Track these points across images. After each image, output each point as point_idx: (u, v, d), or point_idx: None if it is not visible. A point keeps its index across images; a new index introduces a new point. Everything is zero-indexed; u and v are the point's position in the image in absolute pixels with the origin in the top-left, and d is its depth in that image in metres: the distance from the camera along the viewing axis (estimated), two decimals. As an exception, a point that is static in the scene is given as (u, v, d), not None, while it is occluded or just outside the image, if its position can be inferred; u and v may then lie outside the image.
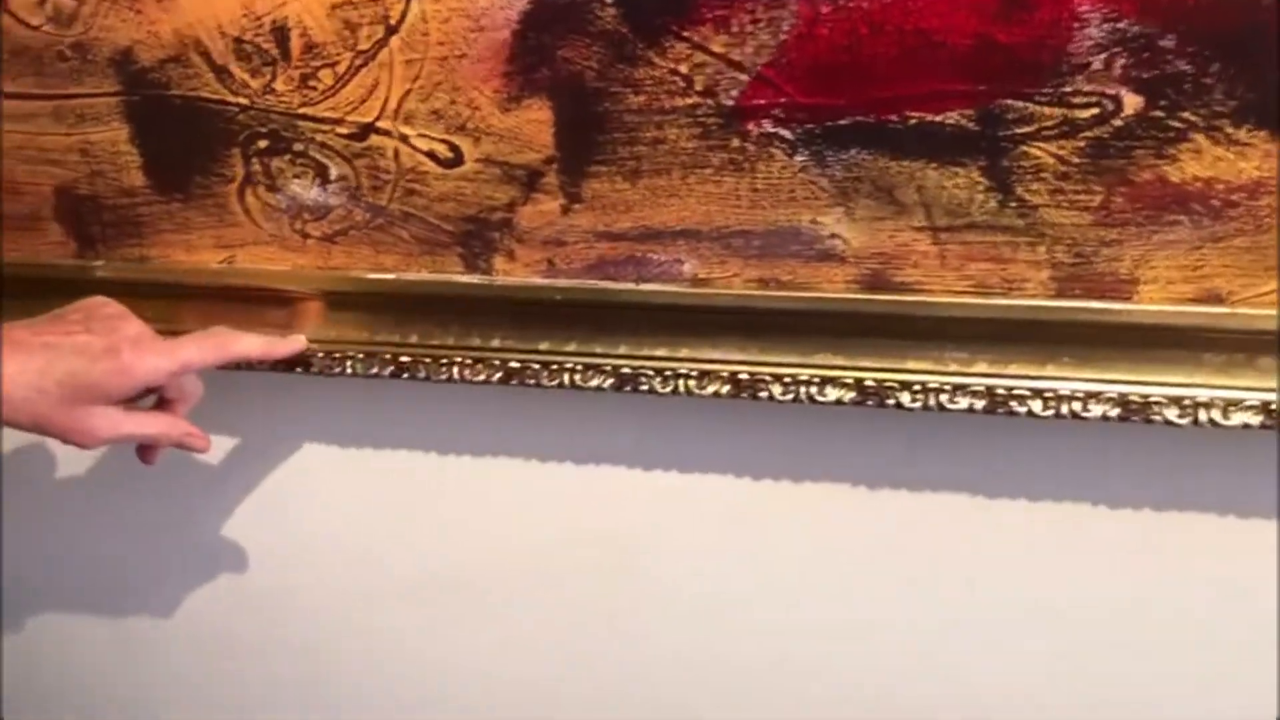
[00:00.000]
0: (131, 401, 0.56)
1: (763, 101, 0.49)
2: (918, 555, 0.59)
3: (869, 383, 0.53)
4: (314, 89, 0.54)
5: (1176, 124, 0.45)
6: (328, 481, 0.67)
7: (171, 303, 0.61)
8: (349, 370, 0.60)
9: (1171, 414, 0.49)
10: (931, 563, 0.59)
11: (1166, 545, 0.54)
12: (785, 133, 0.50)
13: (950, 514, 0.57)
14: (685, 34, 0.48)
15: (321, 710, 0.74)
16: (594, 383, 0.57)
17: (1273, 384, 0.47)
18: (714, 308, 0.54)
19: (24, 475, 0.75)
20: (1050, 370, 0.50)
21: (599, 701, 0.68)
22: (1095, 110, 0.46)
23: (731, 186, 0.51)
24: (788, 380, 0.54)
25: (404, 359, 0.59)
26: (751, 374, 0.55)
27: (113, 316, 0.54)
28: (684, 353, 0.56)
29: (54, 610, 0.79)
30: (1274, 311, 0.46)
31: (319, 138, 0.55)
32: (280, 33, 0.53)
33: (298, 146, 0.56)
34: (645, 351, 0.56)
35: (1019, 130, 0.47)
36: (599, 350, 0.57)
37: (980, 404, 0.52)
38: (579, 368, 0.57)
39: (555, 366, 0.57)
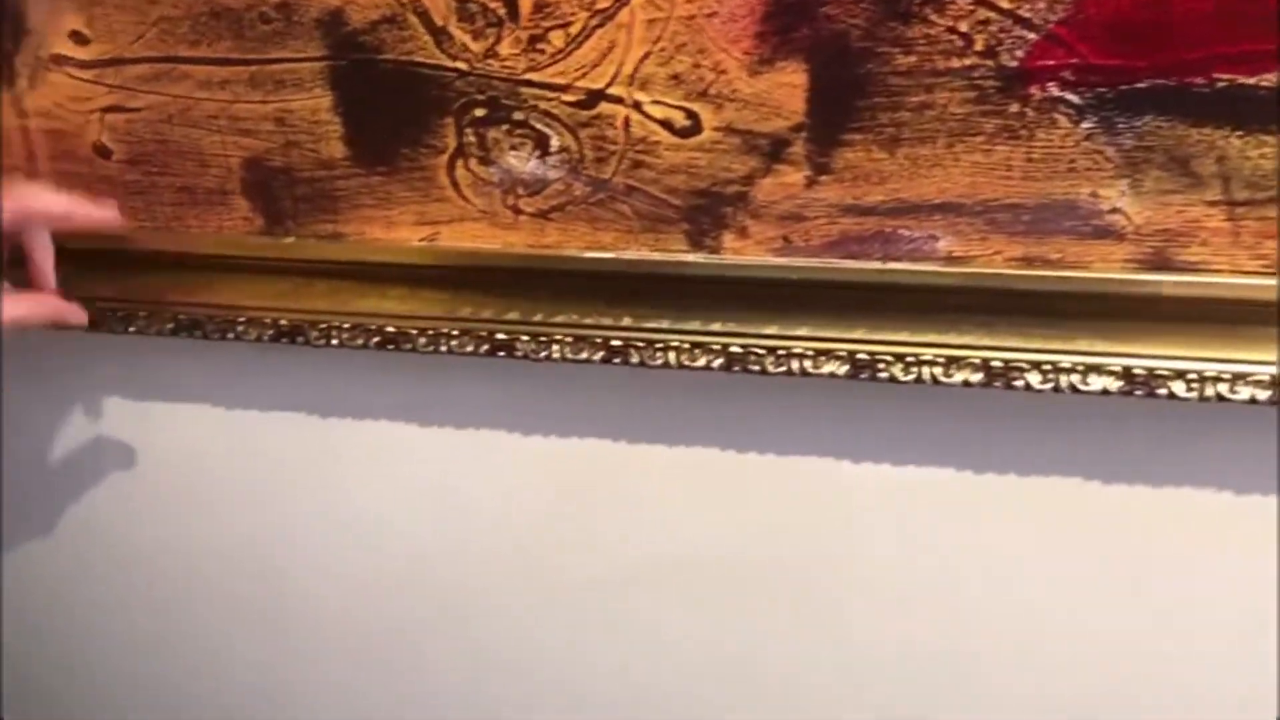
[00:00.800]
0: None
1: (1051, 63, 0.45)
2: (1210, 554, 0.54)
3: (1138, 371, 0.49)
4: (541, 52, 0.50)
5: None
6: (501, 469, 0.64)
7: (364, 283, 0.58)
8: (555, 355, 0.56)
9: None
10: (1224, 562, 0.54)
11: None
12: (1072, 97, 0.45)
13: (1238, 511, 0.53)
14: (971, -13, 0.44)
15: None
16: (827, 369, 0.53)
17: None
18: (969, 289, 0.50)
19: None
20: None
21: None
22: None
23: (1004, 156, 0.47)
24: (1047, 368, 0.50)
25: (615, 343, 0.56)
26: (1006, 361, 0.51)
27: None
28: (929, 338, 0.52)
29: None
30: None
31: (542, 105, 0.51)
32: (511, -10, 0.49)
33: (517, 115, 0.52)
34: (885, 336, 0.52)
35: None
36: (832, 335, 0.53)
37: (1264, 395, 0.48)
38: (810, 353, 0.53)
39: (783, 352, 0.54)
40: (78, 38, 0.55)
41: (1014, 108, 0.46)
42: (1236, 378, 0.48)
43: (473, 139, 0.53)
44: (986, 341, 0.51)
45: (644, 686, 0.67)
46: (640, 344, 0.55)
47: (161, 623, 0.79)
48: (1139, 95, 0.45)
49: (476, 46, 0.51)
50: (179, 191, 0.59)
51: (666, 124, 0.50)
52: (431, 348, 0.58)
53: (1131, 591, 0.56)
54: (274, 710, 0.78)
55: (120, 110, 0.57)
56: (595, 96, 0.50)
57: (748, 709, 0.66)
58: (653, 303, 0.55)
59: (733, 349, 0.54)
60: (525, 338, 0.57)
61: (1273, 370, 0.47)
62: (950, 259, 0.50)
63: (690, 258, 0.53)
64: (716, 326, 0.54)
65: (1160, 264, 0.48)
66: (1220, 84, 0.44)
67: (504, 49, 0.50)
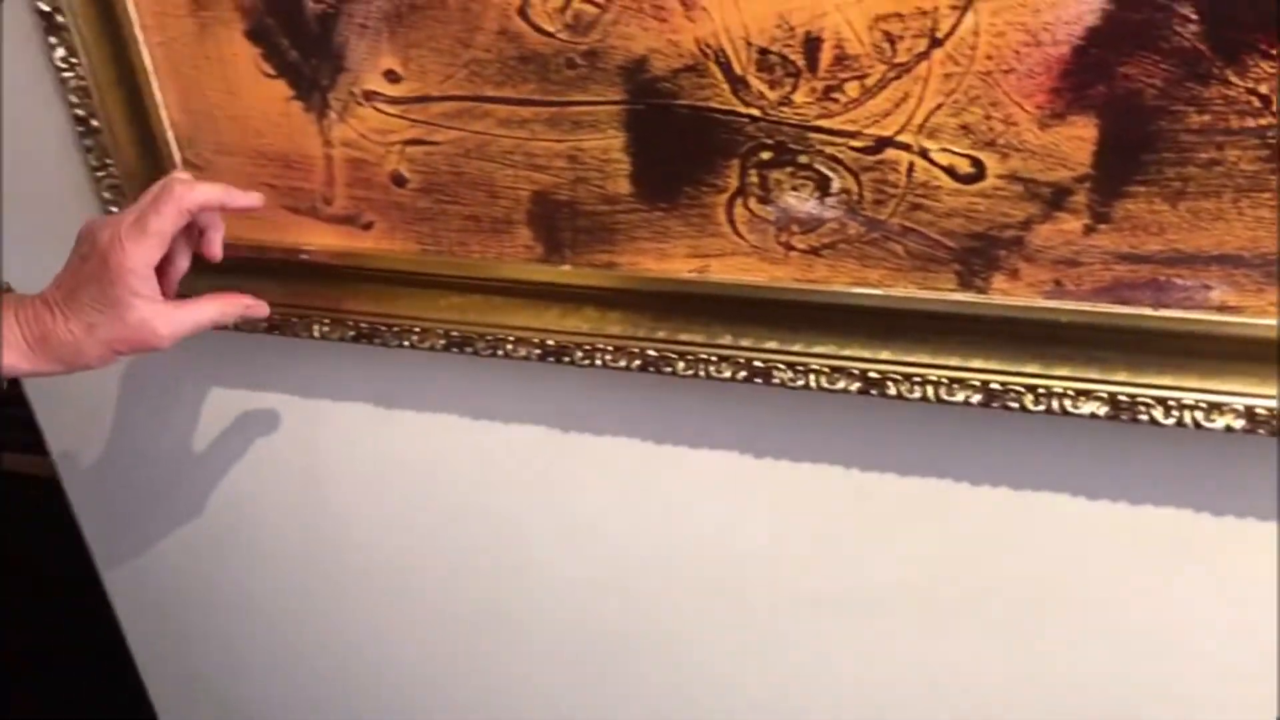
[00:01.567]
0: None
1: (1346, 124, 0.47)
2: None
3: None
4: (835, 101, 0.54)
5: None
6: (748, 495, 0.67)
7: (634, 312, 0.62)
8: (811, 384, 0.60)
9: None
10: None
11: None
12: (1365, 156, 0.48)
13: None
14: (1275, 52, 0.47)
15: None
16: (1085, 409, 0.56)
17: None
18: (1240, 338, 0.52)
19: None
20: None
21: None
22: None
23: (1290, 211, 0.49)
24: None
25: (873, 375, 0.59)
26: (1270, 410, 0.52)
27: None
28: (1191, 383, 0.54)
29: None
30: None
31: (828, 150, 0.55)
32: (812, 44, 0.53)
33: (803, 159, 0.56)
34: (1146, 380, 0.54)
35: None
36: (1094, 376, 0.55)
37: None
38: (1070, 393, 0.56)
39: (1043, 391, 0.56)
40: (391, 76, 0.61)
41: (1306, 165, 0.48)
42: None
43: (755, 179, 0.57)
44: (1253, 390, 0.53)
45: (879, 706, 0.70)
46: (897, 377, 0.58)
47: (343, 621, 0.84)
48: None
49: (772, 95, 0.55)
50: (466, 219, 0.64)
51: (950, 170, 0.54)
52: (691, 372, 0.62)
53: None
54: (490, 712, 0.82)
55: (421, 143, 0.62)
56: (883, 143, 0.54)
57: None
58: (916, 336, 0.58)
59: (993, 386, 0.57)
60: (782, 366, 0.60)
61: None
62: (1223, 307, 0.52)
63: (960, 296, 0.56)
64: (977, 364, 0.57)
65: None
66: None
67: (798, 97, 0.54)
